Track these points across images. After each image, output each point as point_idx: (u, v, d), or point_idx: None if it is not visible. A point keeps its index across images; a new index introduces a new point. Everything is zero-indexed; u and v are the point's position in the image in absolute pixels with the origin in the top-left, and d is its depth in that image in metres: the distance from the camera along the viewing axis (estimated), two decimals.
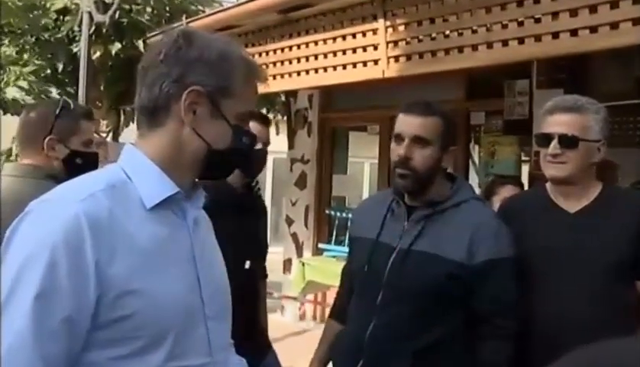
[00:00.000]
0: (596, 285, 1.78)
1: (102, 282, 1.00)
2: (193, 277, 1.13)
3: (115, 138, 6.65)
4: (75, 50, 6.10)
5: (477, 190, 4.81)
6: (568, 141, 1.82)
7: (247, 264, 2.17)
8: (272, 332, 2.50)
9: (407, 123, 1.82)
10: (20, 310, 0.96)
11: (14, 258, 1.00)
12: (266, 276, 2.48)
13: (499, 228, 1.81)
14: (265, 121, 2.26)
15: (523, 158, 4.73)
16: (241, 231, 2.10)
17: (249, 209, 2.29)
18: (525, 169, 4.69)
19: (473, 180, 5.07)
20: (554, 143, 1.83)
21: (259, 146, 2.05)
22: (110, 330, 1.02)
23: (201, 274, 1.14)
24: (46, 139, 1.91)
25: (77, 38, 6.06)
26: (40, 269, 0.97)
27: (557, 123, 1.85)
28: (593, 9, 3.11)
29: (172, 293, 1.08)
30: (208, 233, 1.26)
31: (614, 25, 3.06)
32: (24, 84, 5.62)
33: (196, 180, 1.20)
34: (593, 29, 3.14)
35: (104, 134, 6.95)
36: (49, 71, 6.15)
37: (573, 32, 3.21)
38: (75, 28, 5.92)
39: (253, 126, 1.87)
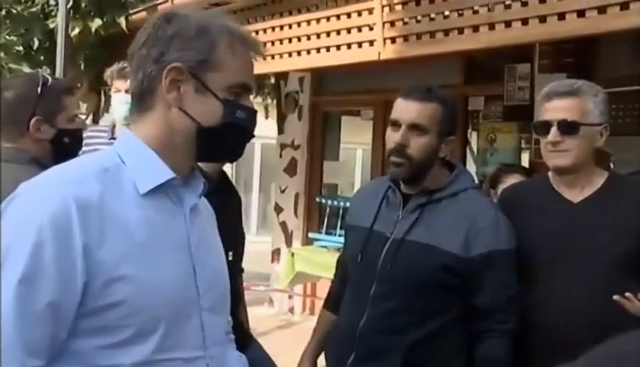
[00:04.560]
0: (600, 277, 1.74)
1: (90, 267, 0.99)
2: (188, 266, 1.11)
3: (95, 121, 6.47)
4: (51, 25, 5.88)
5: (476, 180, 4.70)
6: (568, 127, 1.77)
7: (230, 256, 2.08)
8: (260, 325, 2.44)
9: (404, 109, 1.77)
10: (3, 294, 0.95)
11: (0, 240, 0.98)
12: (242, 270, 2.42)
13: (497, 220, 1.77)
14: None
15: (523, 146, 4.63)
16: (222, 221, 2.03)
17: (227, 198, 2.21)
18: (526, 157, 4.58)
19: (471, 168, 4.96)
20: (554, 130, 1.78)
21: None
22: (98, 318, 1.01)
23: (197, 264, 1.12)
24: (32, 120, 1.80)
25: (53, 13, 5.85)
26: (26, 252, 0.96)
27: (556, 109, 1.80)
28: None
29: (164, 281, 1.06)
30: (209, 223, 1.25)
31: (624, 5, 2.95)
32: None
33: (195, 164, 1.19)
34: (602, 9, 3.03)
35: (83, 117, 6.76)
36: (21, 48, 5.93)
37: (580, 13, 3.10)
38: (52, 2, 5.72)
39: None
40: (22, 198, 1.03)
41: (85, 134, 2.90)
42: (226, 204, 2.16)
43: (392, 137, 1.77)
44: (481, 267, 1.72)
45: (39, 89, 1.82)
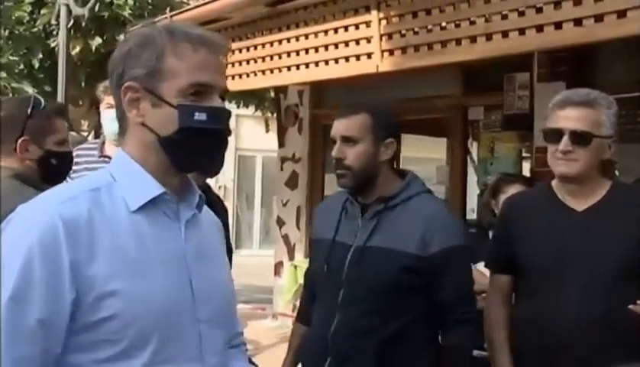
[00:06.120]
0: (603, 285, 1.74)
1: (80, 283, 1.01)
2: (184, 278, 1.12)
3: (97, 137, 6.49)
4: (52, 44, 5.92)
5: (477, 189, 4.69)
6: (580, 138, 1.76)
7: None
8: (264, 338, 2.45)
9: (335, 126, 1.95)
10: None
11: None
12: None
13: (450, 218, 1.94)
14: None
15: (524, 155, 4.60)
16: None
17: (212, 210, 2.21)
18: (526, 166, 4.56)
19: (472, 178, 4.93)
20: (565, 139, 1.77)
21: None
22: (92, 332, 1.03)
23: (194, 276, 1.12)
24: (19, 140, 1.85)
25: (54, 32, 5.91)
26: (15, 270, 0.99)
27: (568, 118, 1.79)
28: None
29: (156, 294, 1.07)
30: (212, 235, 1.25)
31: (621, 13, 2.94)
32: None
33: (187, 178, 1.18)
34: (599, 18, 3.02)
35: (85, 134, 6.79)
36: (23, 67, 5.98)
37: (577, 21, 3.09)
38: (52, 22, 5.77)
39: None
40: (17, 219, 1.07)
41: (74, 153, 2.94)
42: None
43: (333, 152, 1.94)
44: (439, 264, 1.83)
45: (29, 111, 1.86)
